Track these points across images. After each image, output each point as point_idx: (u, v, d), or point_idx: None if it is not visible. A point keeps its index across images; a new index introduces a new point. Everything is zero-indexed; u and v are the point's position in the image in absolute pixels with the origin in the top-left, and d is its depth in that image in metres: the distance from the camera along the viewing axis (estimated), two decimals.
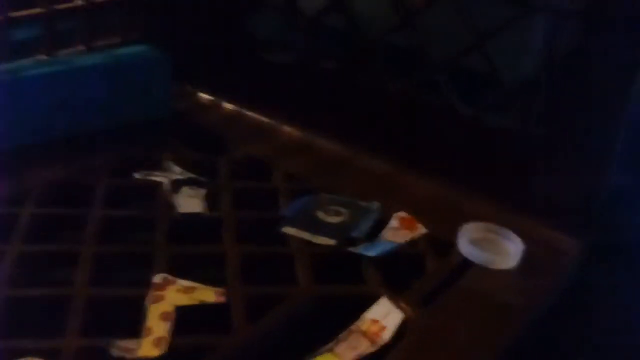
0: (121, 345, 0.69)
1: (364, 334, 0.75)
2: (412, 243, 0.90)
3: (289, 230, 0.89)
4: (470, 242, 0.88)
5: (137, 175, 0.97)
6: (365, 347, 0.74)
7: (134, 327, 0.71)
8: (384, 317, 0.77)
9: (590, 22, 0.89)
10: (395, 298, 0.79)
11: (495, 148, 1.00)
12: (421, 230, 0.91)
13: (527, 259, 0.88)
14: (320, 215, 0.92)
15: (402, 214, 0.93)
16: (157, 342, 0.70)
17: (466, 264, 0.87)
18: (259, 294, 0.79)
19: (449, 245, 0.89)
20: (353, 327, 0.76)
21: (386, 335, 0.75)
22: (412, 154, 1.02)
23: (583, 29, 0.90)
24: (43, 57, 1.09)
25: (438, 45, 1.01)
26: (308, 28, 1.12)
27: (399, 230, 0.91)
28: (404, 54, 1.03)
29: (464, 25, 0.97)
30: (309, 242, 0.88)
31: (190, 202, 0.92)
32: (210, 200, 0.94)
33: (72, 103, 1.02)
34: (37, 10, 1.07)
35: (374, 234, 0.90)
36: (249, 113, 1.16)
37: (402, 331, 0.76)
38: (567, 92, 0.94)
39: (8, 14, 1.03)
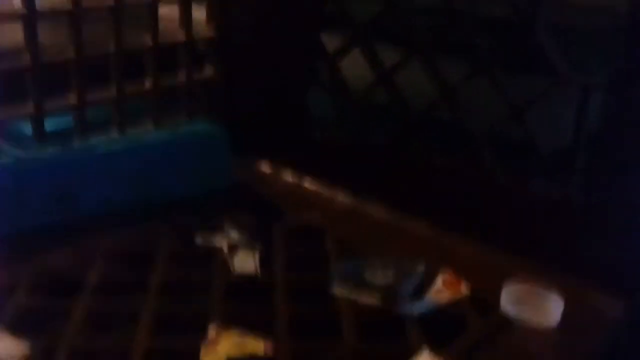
0: None
1: None
2: (455, 302, 0.93)
3: (338, 290, 0.94)
4: (511, 301, 0.92)
5: (198, 240, 1.04)
6: None
7: None
8: None
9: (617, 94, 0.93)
10: (437, 354, 0.83)
11: (537, 212, 1.04)
12: (464, 290, 0.95)
13: (569, 320, 0.90)
14: (368, 276, 0.97)
15: (446, 274, 0.97)
16: None
17: (507, 323, 0.90)
18: (306, 348, 0.84)
19: (491, 304, 0.93)
20: None
21: None
22: (456, 219, 1.06)
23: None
24: (114, 135, 1.19)
25: (478, 118, 1.07)
26: (357, 106, 1.19)
27: (443, 290, 0.95)
28: (446, 127, 1.09)
29: (500, 98, 1.03)
30: (355, 301, 0.93)
31: (245, 264, 0.99)
32: (265, 262, 1.00)
33: (140, 176, 1.11)
34: (109, 93, 1.17)
35: (418, 294, 0.94)
36: (304, 182, 1.23)
37: None
38: (607, 159, 0.97)
39: (84, 99, 1.13)
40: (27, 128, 1.15)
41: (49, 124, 1.14)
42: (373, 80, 1.16)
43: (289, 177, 1.26)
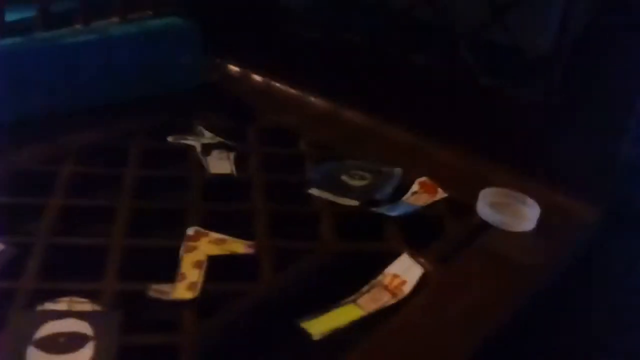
0: (157, 288, 0.73)
1: (386, 287, 0.79)
2: (433, 206, 0.93)
3: (315, 191, 0.93)
4: (488, 205, 0.92)
5: (170, 139, 1.01)
6: (386, 299, 0.78)
7: (169, 274, 0.75)
8: (405, 272, 0.81)
9: None
10: (416, 255, 0.83)
11: (514, 117, 1.03)
12: (441, 194, 0.95)
13: (543, 224, 0.91)
14: (345, 179, 0.96)
15: (423, 179, 0.97)
16: (190, 286, 0.74)
17: (484, 226, 0.91)
18: (285, 248, 0.83)
19: (468, 208, 0.92)
20: (375, 280, 0.80)
21: (406, 289, 0.79)
22: (434, 124, 1.05)
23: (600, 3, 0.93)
24: (79, 27, 1.14)
25: (461, 19, 1.04)
26: (335, 2, 1.15)
27: (420, 194, 0.95)
28: (427, 28, 1.06)
29: None
30: (333, 203, 0.91)
31: (220, 164, 0.96)
32: (240, 163, 0.98)
33: (107, 71, 1.07)
34: None
35: (396, 197, 0.94)
36: (277, 84, 1.20)
37: (421, 286, 0.80)
38: (585, 64, 0.96)
39: None
40: None
41: (10, 14, 1.07)
42: None
43: (259, 79, 1.22)
